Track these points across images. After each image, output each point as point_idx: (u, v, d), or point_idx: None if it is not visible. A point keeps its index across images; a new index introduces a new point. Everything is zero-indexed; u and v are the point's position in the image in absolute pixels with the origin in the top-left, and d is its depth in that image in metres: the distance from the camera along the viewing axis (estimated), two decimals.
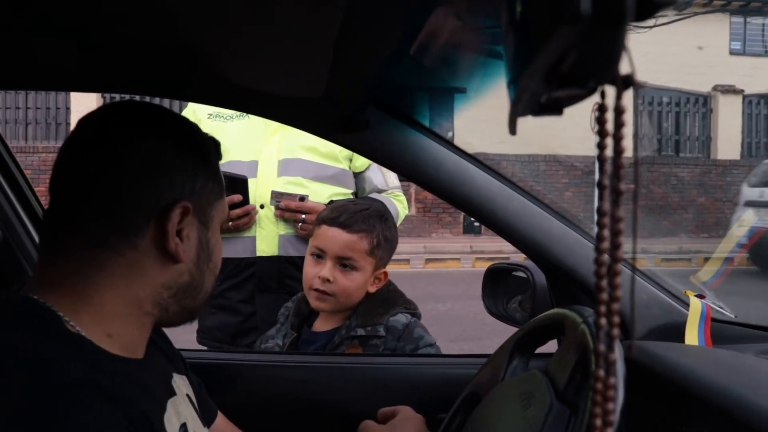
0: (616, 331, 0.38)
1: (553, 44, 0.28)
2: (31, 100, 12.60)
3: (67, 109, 12.53)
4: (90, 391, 0.69)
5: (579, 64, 0.31)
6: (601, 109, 0.37)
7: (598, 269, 0.38)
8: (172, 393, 0.93)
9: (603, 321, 0.38)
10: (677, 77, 13.76)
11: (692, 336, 1.16)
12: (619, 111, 0.36)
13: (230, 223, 1.85)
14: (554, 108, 0.40)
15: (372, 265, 1.57)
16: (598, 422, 0.37)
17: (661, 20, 11.88)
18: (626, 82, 0.35)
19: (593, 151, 12.26)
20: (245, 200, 1.87)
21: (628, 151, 0.38)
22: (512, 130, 0.46)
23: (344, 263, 1.55)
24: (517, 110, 0.41)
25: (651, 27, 11.93)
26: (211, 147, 0.93)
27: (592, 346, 0.74)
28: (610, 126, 0.37)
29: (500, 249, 10.10)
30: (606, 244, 0.37)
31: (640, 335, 1.20)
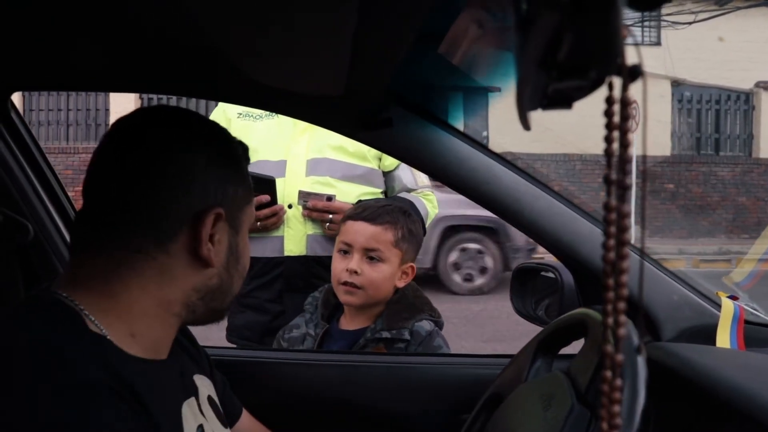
0: (622, 331, 0.37)
1: (539, 30, 0.27)
2: (72, 102, 12.88)
3: (107, 110, 12.77)
4: (105, 391, 0.70)
5: (576, 52, 0.30)
6: (609, 101, 0.36)
7: (605, 266, 0.37)
8: (190, 394, 0.94)
9: (610, 320, 0.37)
10: (718, 74, 13.45)
11: (724, 338, 1.13)
12: (625, 103, 0.35)
13: (258, 223, 1.86)
14: (563, 101, 0.39)
15: (398, 257, 1.58)
16: (605, 425, 0.36)
17: (701, 15, 11.64)
18: (633, 73, 0.34)
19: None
20: (273, 200, 1.87)
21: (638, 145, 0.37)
22: (524, 125, 0.45)
23: (371, 255, 1.57)
24: (523, 104, 0.40)
25: (690, 23, 11.71)
26: (240, 152, 0.94)
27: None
28: (617, 119, 0.36)
29: (536, 249, 10.00)
30: (612, 242, 0.36)
31: (670, 337, 1.17)
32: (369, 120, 1.12)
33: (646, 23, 13.49)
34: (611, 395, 0.35)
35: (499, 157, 1.18)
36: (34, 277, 1.31)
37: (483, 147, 1.17)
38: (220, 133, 0.92)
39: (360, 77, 0.95)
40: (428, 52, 1.01)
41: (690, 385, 0.97)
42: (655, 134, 13.10)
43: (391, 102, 1.12)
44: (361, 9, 0.69)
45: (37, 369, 0.70)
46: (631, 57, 0.35)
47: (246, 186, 0.93)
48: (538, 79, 0.33)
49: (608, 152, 0.37)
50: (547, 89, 0.38)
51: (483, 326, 6.15)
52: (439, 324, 1.62)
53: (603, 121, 0.35)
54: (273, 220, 1.88)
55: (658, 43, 13.60)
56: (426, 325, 1.57)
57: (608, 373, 0.36)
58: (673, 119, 13.88)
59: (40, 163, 1.34)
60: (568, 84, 0.33)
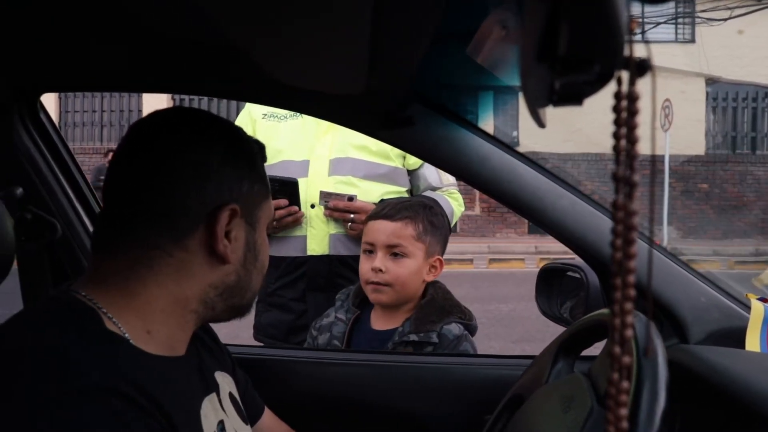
0: (629, 332, 0.36)
1: (531, 20, 0.26)
2: (106, 104, 13.11)
3: (140, 111, 12.97)
4: (111, 394, 0.70)
5: (576, 45, 0.29)
6: (617, 96, 0.35)
7: (613, 266, 0.36)
8: (210, 390, 0.94)
9: (617, 321, 0.36)
10: (755, 71, 13.16)
11: (753, 341, 1.10)
12: (632, 98, 0.34)
13: (274, 223, 1.87)
14: (573, 97, 0.38)
15: (422, 251, 1.58)
16: (612, 429, 0.35)
17: (736, 11, 11.39)
18: (641, 67, 0.33)
19: (663, 150, 11.89)
20: (296, 202, 1.88)
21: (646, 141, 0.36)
22: (537, 122, 0.44)
23: (394, 252, 1.57)
24: (532, 100, 0.40)
25: (726, 19, 11.47)
26: (256, 150, 0.95)
27: (634, 348, 0.71)
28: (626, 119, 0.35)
29: (566, 250, 9.86)
30: (619, 241, 0.35)
31: (698, 340, 1.15)
32: (390, 118, 1.12)
33: (680, 20, 13.27)
34: (617, 398, 0.34)
35: (522, 156, 1.16)
36: (63, 274, 1.33)
37: (505, 145, 1.16)
38: (234, 131, 0.93)
39: (380, 76, 0.95)
40: (449, 50, 1.00)
41: (717, 390, 0.94)
42: (688, 133, 12.87)
43: (413, 100, 1.12)
44: (376, 7, 0.68)
45: (42, 374, 0.70)
46: (641, 51, 0.34)
47: (262, 183, 0.93)
48: (541, 73, 0.32)
49: (616, 149, 0.36)
50: (554, 84, 0.37)
51: (512, 327, 6.11)
52: (470, 327, 1.60)
53: (640, 121, 0.34)
54: (289, 219, 1.89)
55: (692, 41, 13.37)
56: (454, 328, 1.56)
57: (615, 376, 0.35)
58: (708, 117, 13.62)
59: (68, 162, 1.36)
60: (573, 78, 0.32)
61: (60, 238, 1.29)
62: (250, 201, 0.90)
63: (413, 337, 1.53)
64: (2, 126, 1.28)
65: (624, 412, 0.35)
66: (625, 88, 0.35)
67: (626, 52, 0.32)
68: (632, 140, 0.34)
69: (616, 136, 0.36)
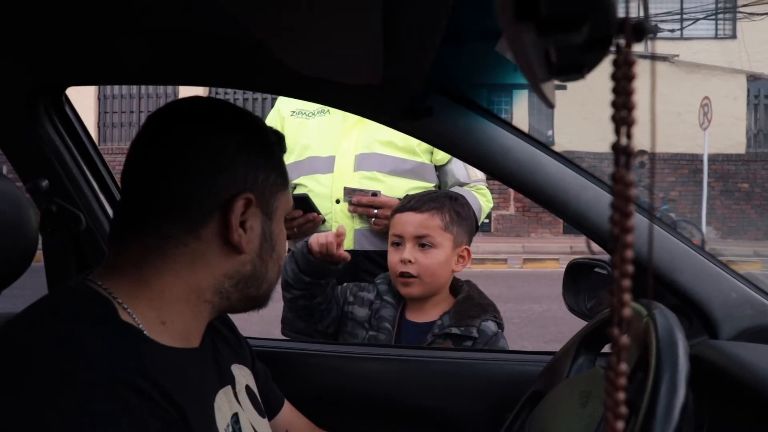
0: (627, 311, 0.34)
1: None
2: (143, 105, 13.36)
3: None
4: (121, 385, 0.70)
5: (558, 3, 0.27)
6: (616, 63, 0.33)
7: (610, 242, 0.34)
8: (225, 383, 0.94)
9: (615, 300, 0.34)
10: None
11: None
12: (629, 63, 0.32)
13: (294, 229, 1.87)
14: (573, 69, 0.37)
15: (450, 241, 1.59)
16: (610, 415, 0.33)
17: None
18: (637, 30, 0.31)
19: (701, 149, 11.64)
20: (310, 212, 1.89)
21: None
22: (544, 100, 0.42)
23: (422, 243, 1.58)
24: (531, 74, 0.38)
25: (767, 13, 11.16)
26: (274, 140, 0.94)
27: (654, 340, 0.68)
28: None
29: (602, 249, 9.69)
30: (618, 216, 0.33)
31: (729, 337, 1.11)
32: (409, 109, 1.10)
33: (721, 16, 12.98)
34: (616, 381, 0.33)
35: (545, 147, 1.14)
36: (87, 265, 1.34)
37: (527, 136, 1.13)
38: (251, 121, 0.92)
39: (397, 65, 0.94)
40: (468, 39, 0.98)
41: (747, 387, 0.91)
42: (728, 131, 12.58)
43: (433, 91, 1.10)
44: None
45: (54, 364, 0.70)
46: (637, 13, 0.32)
47: (280, 173, 0.93)
48: (529, 38, 0.31)
49: (615, 118, 0.34)
50: (549, 54, 0.36)
51: (545, 327, 6.05)
52: (502, 327, 1.61)
53: (675, 119, 0.33)
54: (309, 226, 1.89)
55: (733, 37, 13.08)
56: (491, 325, 1.57)
57: (613, 359, 0.33)
58: (749, 115, 13.30)
59: (92, 155, 1.38)
60: (562, 40, 0.30)
61: (84, 229, 1.31)
62: (267, 191, 0.89)
63: (454, 330, 1.53)
64: (29, 120, 1.30)
65: (621, 396, 0.33)
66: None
67: (621, 13, 0.31)
68: (629, 107, 0.32)
69: (615, 105, 0.34)
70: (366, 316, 1.63)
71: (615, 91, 0.34)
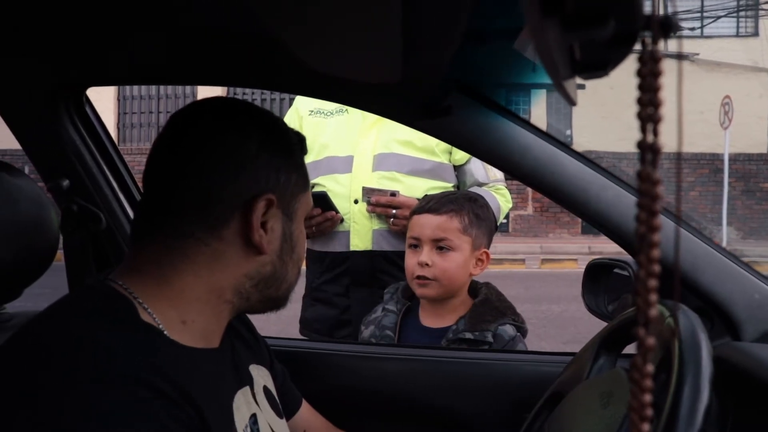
0: (654, 311, 0.33)
1: None
2: (162, 106, 13.44)
3: None
4: (138, 384, 0.70)
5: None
6: (641, 59, 0.33)
7: (637, 241, 0.33)
8: (244, 384, 0.94)
9: (641, 301, 0.33)
10: None
11: None
12: (655, 59, 0.31)
13: (313, 228, 1.87)
14: (597, 66, 0.36)
15: (468, 243, 1.57)
16: (635, 417, 0.32)
17: None
18: (665, 25, 0.31)
19: (722, 149, 11.50)
20: (329, 210, 1.89)
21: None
22: (566, 98, 0.41)
23: (440, 245, 1.56)
24: (554, 71, 0.37)
25: None
26: (295, 141, 0.94)
27: (677, 342, 0.67)
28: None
29: (620, 250, 9.62)
30: (644, 214, 0.33)
31: (752, 338, 1.09)
32: (428, 108, 1.10)
33: (742, 13, 12.82)
34: (642, 383, 0.32)
35: (564, 146, 1.13)
36: (107, 264, 1.35)
37: (547, 135, 1.12)
38: (272, 121, 0.92)
39: (415, 64, 0.93)
40: (487, 38, 0.98)
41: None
42: (750, 131, 12.42)
43: (452, 89, 1.10)
44: None
45: (72, 362, 0.70)
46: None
47: (301, 174, 0.92)
48: (554, 34, 0.30)
49: (641, 116, 0.34)
50: (574, 50, 0.35)
51: (564, 328, 6.01)
52: (522, 330, 1.58)
53: (698, 117, 0.32)
54: (327, 224, 1.89)
55: (755, 34, 12.90)
56: (509, 329, 1.54)
57: (639, 359, 0.33)
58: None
59: (112, 155, 1.39)
60: (587, 34, 0.30)
61: (104, 228, 1.32)
62: (288, 192, 0.89)
63: (468, 335, 1.51)
64: (50, 120, 1.32)
65: (648, 398, 0.32)
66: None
67: (647, 9, 0.30)
68: (656, 104, 0.31)
69: (641, 102, 0.34)
70: (372, 333, 1.63)
71: (641, 87, 0.33)
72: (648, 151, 0.33)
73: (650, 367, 0.32)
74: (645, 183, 0.33)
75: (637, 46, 0.33)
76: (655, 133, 0.32)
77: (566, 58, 0.36)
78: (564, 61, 0.36)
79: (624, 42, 0.33)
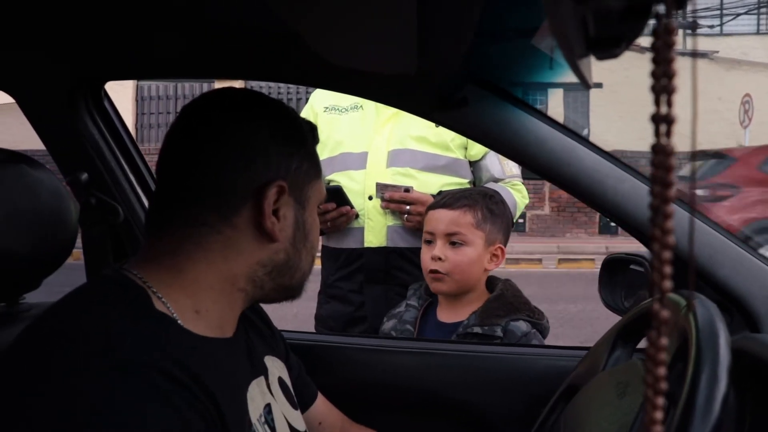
0: (667, 284, 0.33)
1: None
2: (180, 105, 13.53)
3: None
4: (154, 370, 0.70)
5: None
6: (655, 33, 0.33)
7: (651, 215, 0.33)
8: (258, 374, 0.94)
9: (656, 275, 0.33)
10: None
11: None
12: (668, 31, 0.31)
13: (328, 224, 1.88)
14: (610, 42, 0.36)
15: (482, 239, 1.57)
16: (650, 392, 0.32)
17: None
18: None
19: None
20: (344, 204, 1.89)
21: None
22: (581, 79, 0.41)
23: (453, 240, 1.56)
24: (569, 50, 0.37)
25: None
26: (307, 129, 0.94)
27: (694, 330, 0.67)
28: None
29: (638, 250, 9.53)
30: (658, 187, 0.33)
31: None
32: (444, 99, 1.10)
33: (763, 10, 12.68)
34: (656, 357, 0.32)
35: (581, 138, 1.12)
36: (125, 256, 1.37)
37: (563, 127, 1.12)
38: (284, 110, 0.93)
39: (431, 55, 0.93)
40: (503, 29, 0.97)
41: None
42: None
43: (467, 81, 1.10)
44: None
45: (86, 351, 0.71)
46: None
47: (312, 162, 0.93)
48: (561, 3, 0.30)
49: (655, 88, 0.33)
50: (588, 27, 0.35)
51: (580, 327, 5.97)
52: (540, 327, 1.57)
53: (715, 116, 0.32)
54: (342, 220, 1.89)
55: None
56: (522, 325, 1.53)
57: (653, 333, 0.32)
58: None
59: (130, 149, 1.40)
60: (601, 4, 0.30)
61: (122, 221, 1.33)
62: (299, 179, 0.89)
63: (477, 330, 1.51)
64: (69, 115, 1.33)
65: (662, 371, 0.32)
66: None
67: None
68: (669, 75, 0.31)
69: (654, 75, 0.33)
70: (393, 326, 1.63)
71: (654, 60, 0.33)
72: (662, 122, 0.33)
73: (665, 341, 0.32)
74: (659, 155, 0.33)
75: (652, 22, 0.33)
76: (669, 104, 0.32)
77: (580, 33, 0.35)
78: (578, 38, 0.36)
79: (638, 14, 0.33)
